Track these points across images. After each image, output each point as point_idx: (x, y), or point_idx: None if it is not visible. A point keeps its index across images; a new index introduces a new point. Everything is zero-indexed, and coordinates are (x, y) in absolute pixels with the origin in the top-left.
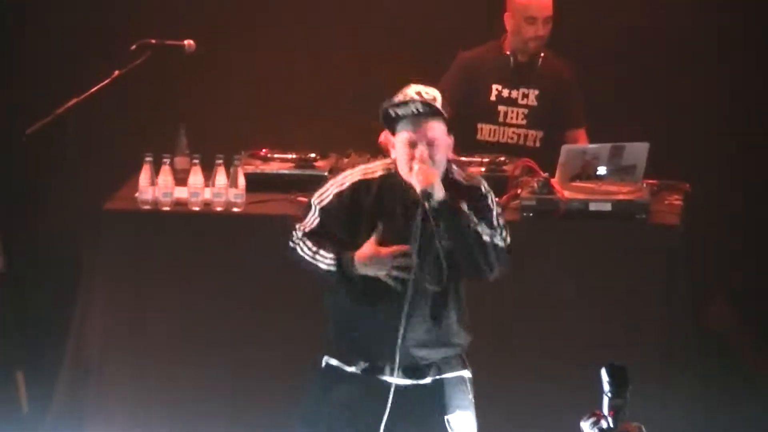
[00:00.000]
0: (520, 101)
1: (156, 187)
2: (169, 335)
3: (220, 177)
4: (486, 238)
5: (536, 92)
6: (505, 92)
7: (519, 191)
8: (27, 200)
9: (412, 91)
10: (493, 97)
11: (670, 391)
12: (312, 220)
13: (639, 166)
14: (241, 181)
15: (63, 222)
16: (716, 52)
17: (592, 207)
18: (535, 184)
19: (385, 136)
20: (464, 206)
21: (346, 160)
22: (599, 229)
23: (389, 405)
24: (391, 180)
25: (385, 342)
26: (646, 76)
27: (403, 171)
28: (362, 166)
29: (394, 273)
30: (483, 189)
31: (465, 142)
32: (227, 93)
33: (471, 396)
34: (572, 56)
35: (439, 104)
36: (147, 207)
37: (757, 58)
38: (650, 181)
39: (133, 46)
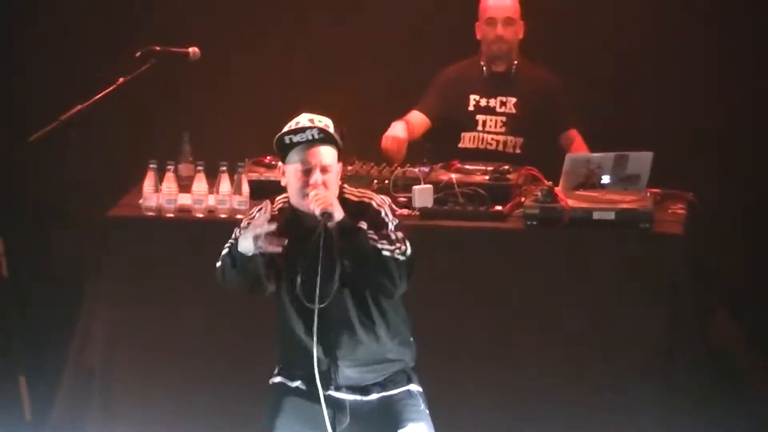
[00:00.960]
0: (498, 109)
1: (160, 193)
2: (172, 341)
3: (224, 184)
4: (387, 253)
5: (514, 100)
6: (483, 101)
7: (522, 200)
8: (30, 206)
9: (305, 119)
10: (471, 107)
11: (673, 400)
12: (234, 237)
13: (643, 176)
14: (245, 188)
15: (66, 228)
16: (717, 58)
17: (596, 216)
18: (539, 193)
19: (387, 139)
20: (363, 225)
21: (350, 167)
22: (603, 238)
23: (329, 418)
24: (288, 211)
25: (315, 361)
26: (649, 83)
27: (295, 199)
28: (266, 202)
29: (260, 247)
30: (375, 204)
31: (448, 150)
32: (231, 100)
33: (423, 407)
34: (579, 65)
35: (332, 131)
36: (151, 213)
37: (759, 64)
38: (654, 191)
39: (138, 54)
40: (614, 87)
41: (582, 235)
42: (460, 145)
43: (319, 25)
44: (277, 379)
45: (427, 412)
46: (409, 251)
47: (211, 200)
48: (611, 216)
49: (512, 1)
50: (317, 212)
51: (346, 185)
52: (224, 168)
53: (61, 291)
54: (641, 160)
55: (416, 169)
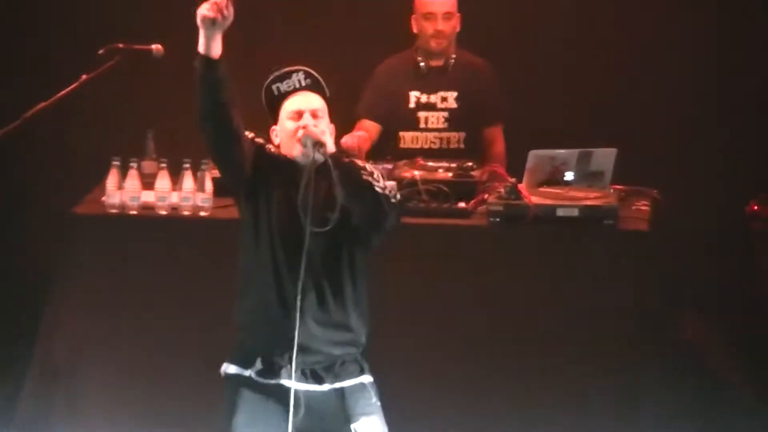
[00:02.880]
0: (439, 105)
1: (123, 191)
2: (138, 339)
3: (188, 181)
4: (379, 190)
5: (455, 94)
6: (423, 98)
7: (486, 196)
8: None
9: (292, 67)
10: (412, 105)
11: (639, 393)
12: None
13: (607, 172)
14: (209, 185)
15: (31, 225)
16: (685, 57)
17: (560, 212)
18: (503, 190)
19: (350, 138)
20: (352, 163)
21: None
22: (567, 234)
23: (292, 409)
24: (276, 160)
25: (283, 333)
26: (614, 81)
27: (288, 148)
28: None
29: (207, 17)
30: (361, 163)
31: (387, 153)
32: (195, 98)
33: (375, 400)
34: (536, 63)
35: (318, 77)
36: (114, 211)
37: (724, 62)
38: (618, 187)
39: (101, 50)
40: (579, 82)
41: (546, 231)
42: (401, 145)
43: (281, 22)
44: (232, 369)
45: (379, 404)
46: (398, 196)
47: (174, 197)
48: (575, 213)
49: None
50: (309, 143)
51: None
52: (188, 165)
53: (25, 290)
54: (605, 157)
55: (379, 166)
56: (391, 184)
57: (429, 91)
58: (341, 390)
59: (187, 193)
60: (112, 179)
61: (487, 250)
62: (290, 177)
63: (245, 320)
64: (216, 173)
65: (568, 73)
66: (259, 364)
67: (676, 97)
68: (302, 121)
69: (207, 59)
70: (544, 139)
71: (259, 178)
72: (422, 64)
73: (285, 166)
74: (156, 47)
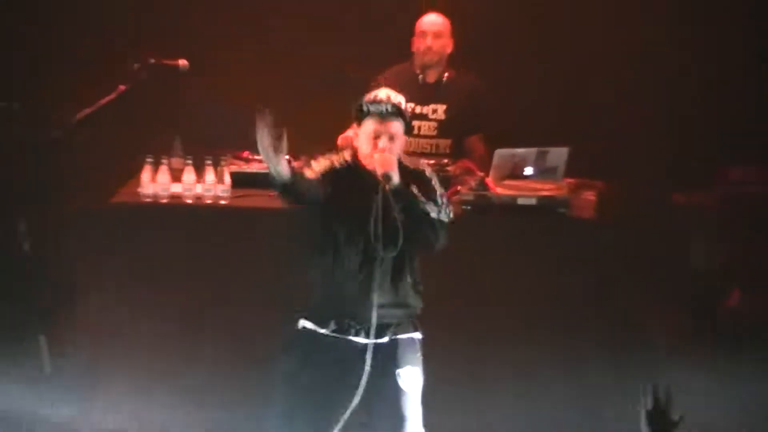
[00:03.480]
0: (430, 116)
1: (156, 183)
2: (170, 308)
3: (209, 175)
4: (433, 214)
5: (444, 107)
6: (417, 109)
7: (459, 188)
8: (48, 195)
9: (384, 93)
10: None
11: (583, 363)
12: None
13: (560, 167)
14: (227, 178)
15: (76, 213)
16: (630, 64)
17: (520, 201)
18: (473, 183)
19: (342, 139)
20: (414, 189)
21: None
22: (526, 220)
23: (368, 362)
24: (353, 167)
25: (356, 304)
26: (567, 84)
27: (364, 155)
28: (329, 156)
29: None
30: (427, 173)
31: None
32: (216, 103)
33: (419, 355)
34: (500, 70)
35: (403, 107)
36: (148, 200)
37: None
38: (570, 180)
39: (136, 65)
40: (538, 87)
41: (509, 218)
42: None
43: (305, 27)
44: (309, 325)
45: (421, 358)
46: (452, 215)
47: (198, 189)
48: (533, 202)
49: (443, 20)
50: (380, 172)
51: (402, 155)
52: (209, 162)
53: (73, 265)
54: (559, 155)
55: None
56: (445, 199)
57: (422, 103)
58: (396, 340)
59: (209, 185)
60: (146, 174)
61: (459, 232)
62: (364, 184)
63: (321, 295)
64: (233, 168)
65: (530, 81)
66: (333, 325)
67: (619, 100)
68: (380, 144)
69: (283, 184)
70: (508, 139)
71: (331, 194)
72: (420, 77)
73: (359, 171)
74: (182, 62)
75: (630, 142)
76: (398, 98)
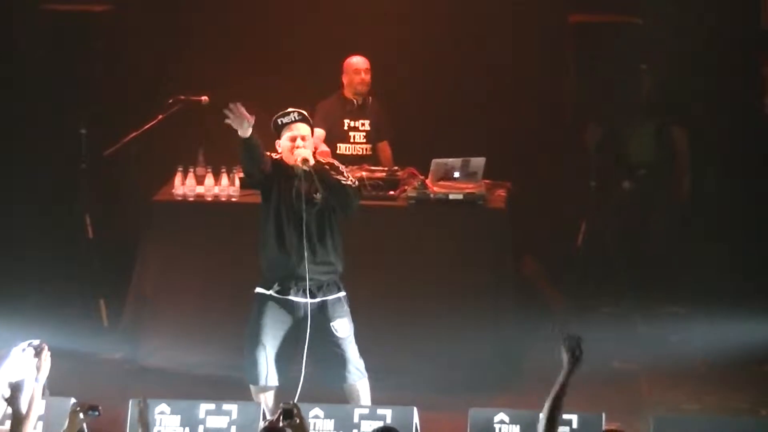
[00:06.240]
0: (360, 128)
1: (185, 186)
2: (194, 278)
3: (224, 179)
4: (344, 183)
5: (368, 121)
6: (352, 123)
7: (406, 188)
8: (106, 195)
9: (290, 109)
10: (345, 127)
11: (492, 319)
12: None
13: (479, 172)
14: (237, 182)
15: (128, 206)
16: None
17: (451, 197)
18: (416, 184)
19: (322, 153)
20: (326, 167)
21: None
22: (455, 211)
23: (310, 316)
24: (280, 165)
25: (292, 265)
26: (480, 102)
27: (286, 155)
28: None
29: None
30: (336, 163)
31: (332, 156)
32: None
33: (346, 308)
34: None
35: (306, 115)
36: (179, 198)
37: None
38: (486, 181)
39: (170, 100)
40: (461, 112)
41: (442, 209)
42: (337, 152)
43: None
44: (258, 289)
45: (349, 311)
46: (356, 183)
47: (216, 190)
48: (460, 197)
49: (365, 60)
50: (299, 160)
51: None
52: (224, 170)
53: (125, 247)
54: (478, 163)
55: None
56: (351, 176)
57: (355, 119)
58: (325, 302)
59: (224, 187)
60: (178, 178)
61: (405, 221)
62: (291, 175)
63: (267, 263)
64: (241, 174)
65: (448, 99)
66: (276, 287)
67: (526, 113)
68: (296, 143)
69: (243, 139)
70: (441, 151)
71: (273, 178)
72: (353, 101)
73: (287, 169)
74: (204, 98)
75: (536, 148)
76: (301, 110)
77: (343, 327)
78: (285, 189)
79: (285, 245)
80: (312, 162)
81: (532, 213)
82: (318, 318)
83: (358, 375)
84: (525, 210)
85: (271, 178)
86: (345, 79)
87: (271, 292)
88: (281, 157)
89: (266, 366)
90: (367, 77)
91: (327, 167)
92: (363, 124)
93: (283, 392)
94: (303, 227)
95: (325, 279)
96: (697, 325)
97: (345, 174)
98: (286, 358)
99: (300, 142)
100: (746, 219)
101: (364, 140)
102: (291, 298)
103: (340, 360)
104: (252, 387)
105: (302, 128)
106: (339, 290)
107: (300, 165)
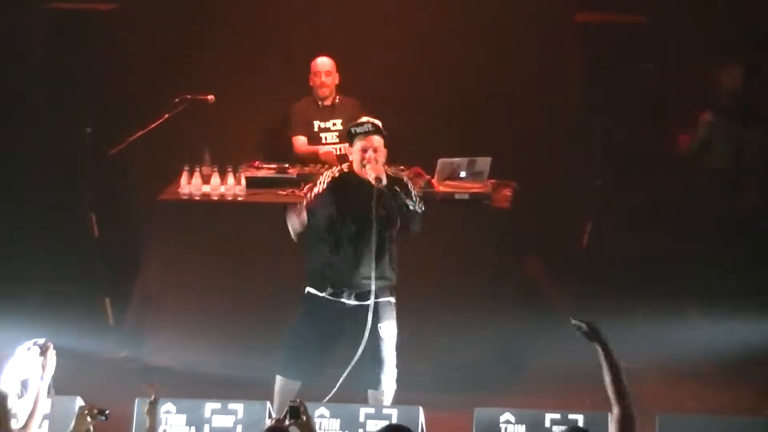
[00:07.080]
0: (332, 129)
1: (191, 185)
2: (199, 277)
3: (230, 179)
4: (411, 207)
5: (340, 121)
6: (322, 125)
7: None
8: (112, 194)
9: (365, 118)
10: (316, 129)
11: (496, 319)
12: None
13: (485, 172)
14: (243, 181)
15: (134, 206)
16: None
17: (457, 196)
18: (422, 183)
19: (324, 153)
20: (397, 189)
21: (307, 169)
22: (461, 210)
23: (369, 319)
24: (348, 175)
25: (350, 276)
26: (482, 104)
27: (357, 168)
28: (328, 171)
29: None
30: (404, 179)
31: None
32: (235, 126)
33: (394, 313)
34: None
35: (381, 126)
36: (185, 197)
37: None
38: (491, 181)
39: (177, 99)
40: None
41: (449, 208)
42: None
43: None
44: (309, 290)
45: (396, 317)
46: (423, 208)
47: (222, 189)
48: (466, 197)
49: (330, 60)
50: (372, 177)
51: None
52: (230, 169)
53: (131, 245)
54: (484, 162)
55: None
56: (418, 197)
57: (325, 120)
58: (377, 303)
59: (230, 186)
60: (184, 178)
61: None
62: (358, 185)
63: (319, 266)
64: (248, 173)
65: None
66: (330, 289)
67: (529, 117)
68: (368, 155)
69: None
70: (447, 150)
71: (331, 197)
72: (320, 103)
73: (354, 178)
74: (210, 97)
75: (539, 149)
76: (377, 122)
77: (389, 330)
78: (351, 199)
79: (342, 252)
80: (384, 182)
81: (536, 213)
82: (365, 321)
83: (391, 383)
84: (529, 210)
85: (329, 196)
86: (311, 81)
87: (324, 294)
88: (350, 164)
89: (303, 363)
90: (329, 79)
91: (398, 189)
92: (334, 124)
93: (304, 390)
94: (369, 241)
95: (378, 285)
96: (701, 325)
97: (413, 195)
98: (321, 359)
99: (371, 154)
100: (746, 219)
101: (337, 140)
102: (343, 300)
103: (378, 363)
104: (280, 379)
105: (375, 140)
106: (390, 295)
107: (373, 183)
